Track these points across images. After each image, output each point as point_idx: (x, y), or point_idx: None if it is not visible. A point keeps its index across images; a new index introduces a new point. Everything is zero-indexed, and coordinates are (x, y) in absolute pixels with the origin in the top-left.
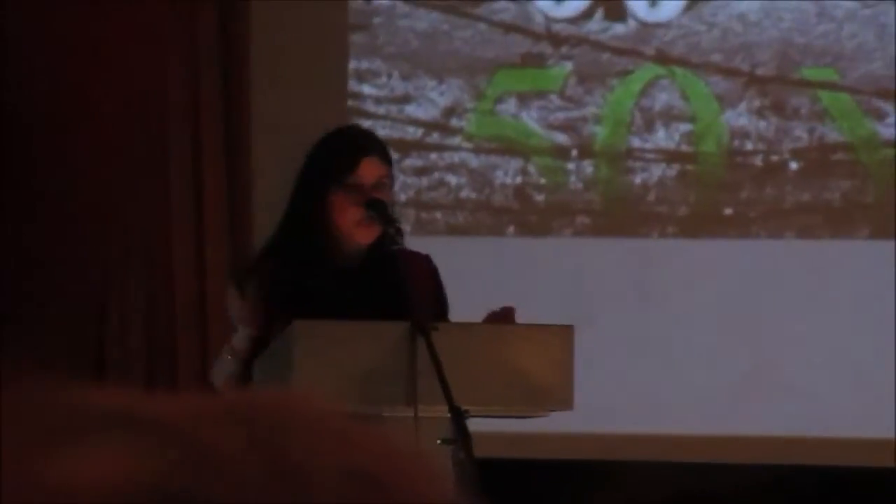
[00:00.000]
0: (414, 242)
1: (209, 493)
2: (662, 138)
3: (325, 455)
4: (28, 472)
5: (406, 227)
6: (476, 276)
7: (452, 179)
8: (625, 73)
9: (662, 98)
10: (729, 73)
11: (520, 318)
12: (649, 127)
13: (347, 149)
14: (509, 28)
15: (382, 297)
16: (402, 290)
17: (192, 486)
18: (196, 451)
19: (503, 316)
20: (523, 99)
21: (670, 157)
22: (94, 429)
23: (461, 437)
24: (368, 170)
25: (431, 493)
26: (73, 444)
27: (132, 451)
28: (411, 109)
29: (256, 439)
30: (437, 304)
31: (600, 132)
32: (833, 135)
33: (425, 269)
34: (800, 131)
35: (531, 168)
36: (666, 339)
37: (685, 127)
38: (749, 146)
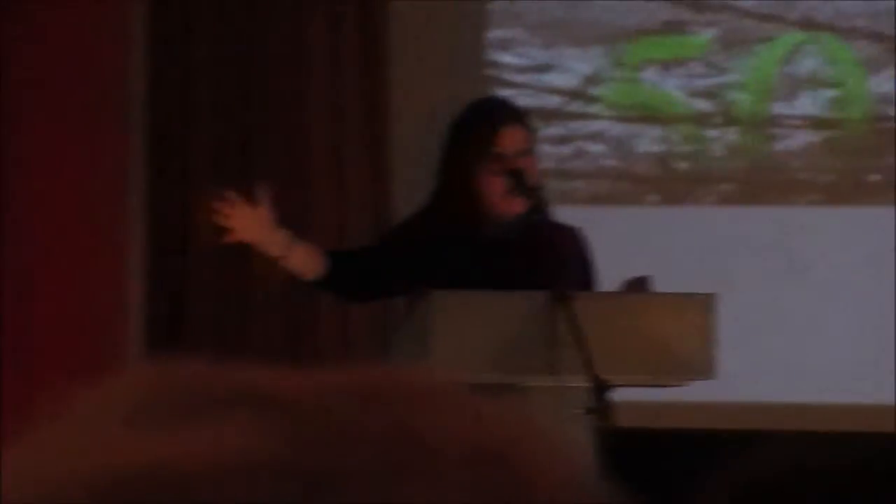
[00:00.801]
0: (556, 211)
1: (338, 469)
2: (806, 105)
3: (453, 432)
4: (151, 448)
5: (548, 196)
6: (617, 246)
7: (593, 148)
8: (768, 39)
9: (806, 64)
10: (874, 37)
11: (662, 287)
12: (793, 93)
13: (486, 120)
14: None
15: (533, 268)
16: (545, 259)
17: (317, 463)
18: (326, 427)
19: (640, 284)
20: (665, 66)
21: (814, 123)
22: (219, 406)
23: (602, 406)
24: (509, 138)
25: (561, 470)
26: (198, 421)
27: (256, 427)
28: (551, 78)
29: (383, 416)
30: (586, 276)
31: (743, 99)
32: None
33: (574, 241)
34: None
35: (673, 136)
36: (810, 308)
37: (829, 93)
38: (894, 112)
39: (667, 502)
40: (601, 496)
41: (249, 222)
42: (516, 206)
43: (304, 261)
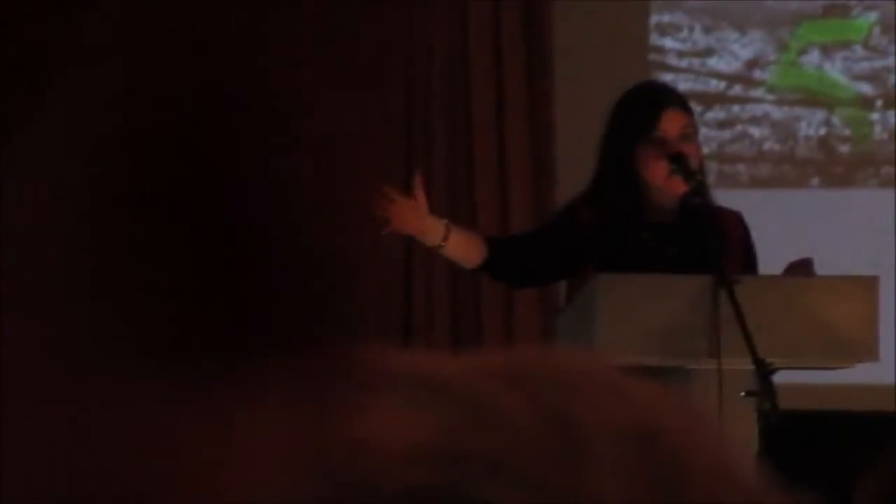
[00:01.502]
0: (717, 195)
1: (491, 454)
2: None
3: (605, 415)
4: (310, 433)
5: (709, 180)
6: (780, 229)
7: (755, 132)
8: None
9: None
10: None
11: (824, 270)
12: None
13: (648, 103)
14: None
15: (694, 252)
16: (709, 244)
17: (475, 447)
18: (478, 411)
19: (801, 267)
20: (826, 50)
21: None
22: (378, 391)
23: (765, 389)
24: (671, 122)
25: (714, 456)
26: (360, 405)
27: (416, 412)
28: (713, 62)
29: (536, 399)
30: (748, 260)
31: None
32: None
33: (735, 226)
34: None
35: (835, 119)
36: None
37: None
38: None
39: (830, 484)
40: (755, 484)
41: (406, 213)
42: (678, 190)
43: (463, 248)
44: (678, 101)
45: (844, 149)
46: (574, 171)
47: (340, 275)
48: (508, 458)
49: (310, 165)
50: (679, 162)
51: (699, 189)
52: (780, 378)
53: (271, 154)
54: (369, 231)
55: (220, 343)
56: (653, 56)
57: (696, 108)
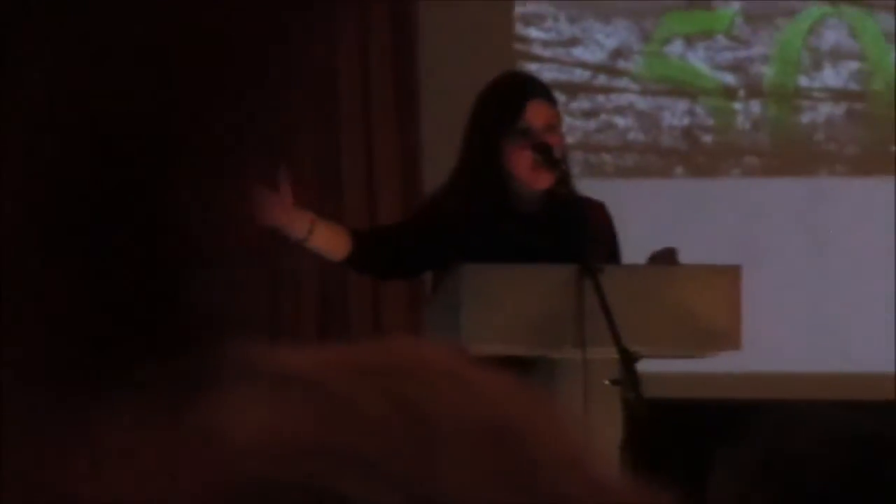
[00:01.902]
0: (582, 185)
1: (346, 447)
2: (831, 77)
3: (458, 408)
4: (170, 424)
5: (574, 170)
6: (645, 218)
7: (620, 121)
8: (792, 13)
9: (830, 37)
10: None
11: (689, 259)
12: (817, 66)
13: (512, 95)
14: None
15: (560, 242)
16: (574, 234)
17: (330, 440)
18: (333, 404)
19: (665, 257)
20: (690, 40)
21: (839, 95)
22: (235, 385)
23: (630, 378)
24: (535, 113)
25: (565, 448)
26: (218, 398)
27: (272, 405)
28: (579, 52)
29: (390, 393)
30: (612, 251)
31: (768, 72)
32: None
33: (601, 216)
34: None
35: (699, 109)
36: (835, 278)
37: (853, 65)
38: None
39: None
40: (605, 476)
41: (271, 207)
42: (543, 181)
43: (329, 240)
44: (542, 92)
45: (708, 138)
46: (441, 163)
47: (208, 277)
48: (363, 451)
49: (178, 175)
50: (545, 152)
51: (564, 179)
52: (644, 367)
53: (143, 164)
54: (235, 232)
55: (93, 348)
56: (518, 46)
57: (561, 97)
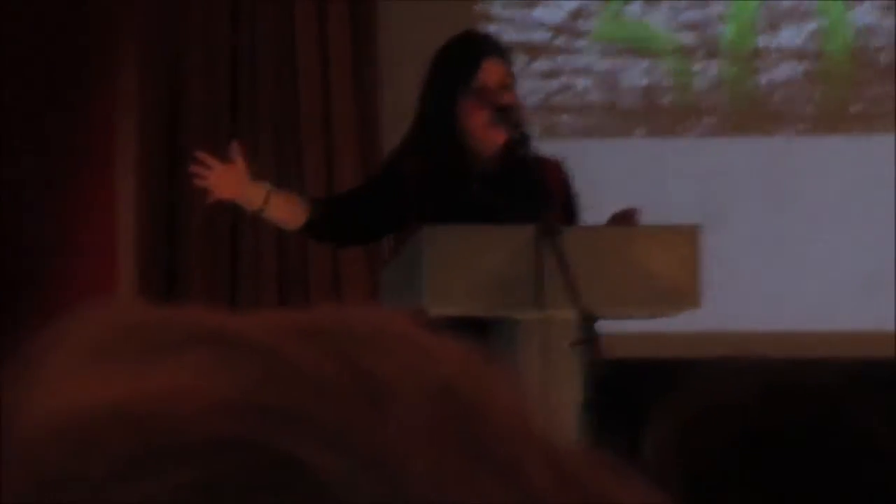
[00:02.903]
0: (542, 146)
1: (293, 408)
2: (790, 36)
3: (407, 370)
4: (108, 388)
5: (534, 131)
6: (605, 179)
7: (580, 82)
8: None
9: None
10: None
11: (648, 219)
12: (775, 26)
13: (468, 53)
14: None
15: (516, 201)
16: (532, 194)
17: (277, 401)
18: (279, 366)
19: (625, 217)
20: (649, 1)
21: (797, 55)
22: (181, 346)
23: (590, 338)
24: (491, 72)
25: (514, 408)
26: (165, 358)
27: (217, 366)
28: (538, 13)
29: (339, 355)
30: (570, 209)
31: (727, 32)
32: None
33: (558, 174)
34: None
35: (658, 69)
36: (794, 237)
37: (811, 25)
38: (876, 43)
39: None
40: (554, 439)
41: (225, 179)
42: (498, 138)
43: (285, 210)
44: (498, 50)
45: (667, 99)
46: (400, 124)
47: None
48: (308, 412)
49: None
50: (503, 112)
51: (521, 139)
52: (604, 327)
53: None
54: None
55: None
56: (477, 7)
57: (521, 59)
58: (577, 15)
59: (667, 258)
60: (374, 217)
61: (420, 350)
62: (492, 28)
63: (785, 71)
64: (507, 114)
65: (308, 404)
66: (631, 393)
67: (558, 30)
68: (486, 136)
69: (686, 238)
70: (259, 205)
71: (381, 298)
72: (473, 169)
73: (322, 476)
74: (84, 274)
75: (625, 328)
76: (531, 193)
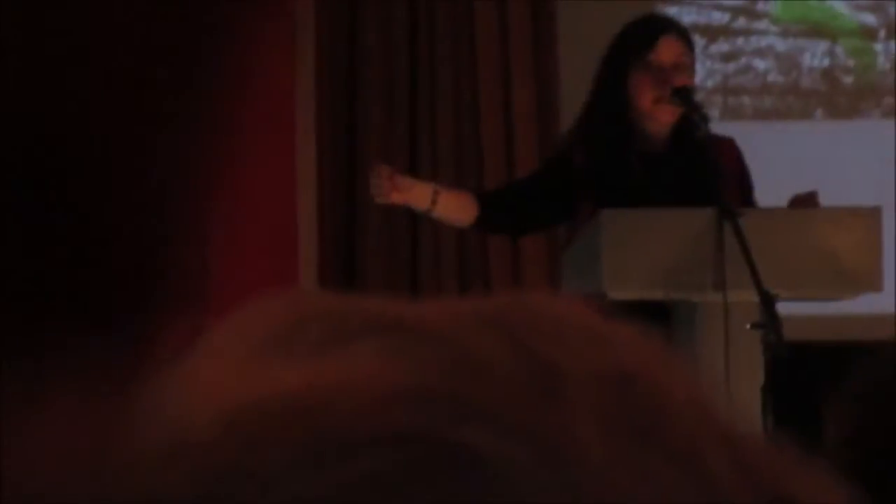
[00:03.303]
0: (722, 127)
1: (469, 396)
2: None
3: (583, 358)
4: (282, 378)
5: (714, 113)
6: (785, 161)
7: (760, 64)
8: None
9: None
10: None
11: (828, 201)
12: None
13: (646, 29)
14: None
15: (689, 182)
16: (709, 176)
17: (452, 390)
18: (454, 354)
19: (806, 200)
20: None
21: None
22: (356, 336)
23: (771, 320)
24: (667, 49)
25: (693, 396)
26: (342, 348)
27: (393, 356)
28: None
29: (514, 342)
30: (743, 187)
31: None
32: None
33: (730, 152)
34: None
35: (839, 50)
36: None
37: None
38: None
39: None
40: (735, 428)
41: (387, 187)
42: (670, 114)
43: (454, 208)
44: (678, 29)
45: (848, 80)
46: (578, 110)
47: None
48: (486, 401)
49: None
50: (682, 95)
51: (698, 123)
52: (785, 309)
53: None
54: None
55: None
56: None
57: (701, 40)
58: None
59: (847, 240)
60: (545, 205)
61: (596, 336)
62: (672, 10)
63: None
64: (684, 96)
65: (484, 394)
66: (811, 376)
67: (738, 11)
68: (655, 110)
69: (867, 220)
70: (427, 205)
71: (562, 284)
72: (642, 149)
73: (499, 466)
74: (263, 267)
75: (806, 310)
76: (706, 174)
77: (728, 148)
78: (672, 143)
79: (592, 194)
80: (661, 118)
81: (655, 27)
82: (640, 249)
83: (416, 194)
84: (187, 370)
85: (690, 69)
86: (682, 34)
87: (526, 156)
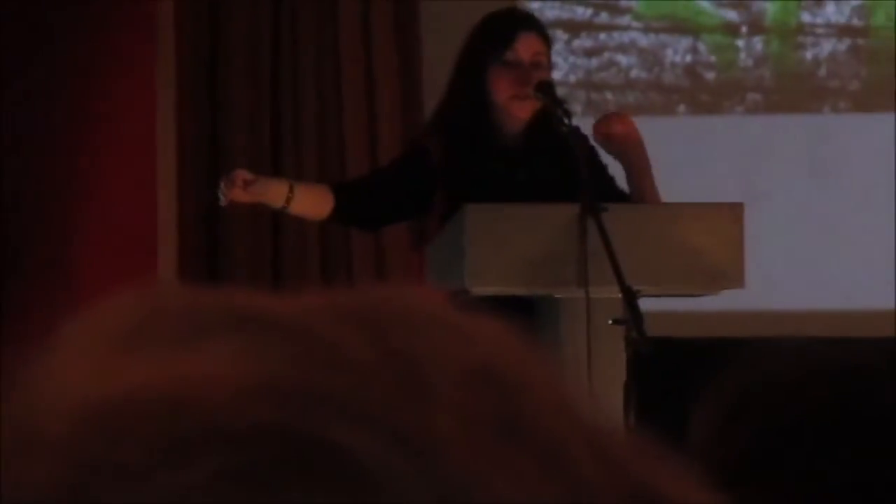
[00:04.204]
0: (585, 123)
1: (333, 392)
2: (833, 13)
3: (446, 354)
4: (142, 372)
5: (577, 108)
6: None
7: (622, 59)
8: None
9: None
10: None
11: (692, 197)
12: (819, 1)
13: (504, 25)
14: None
15: (546, 178)
16: (575, 171)
17: (311, 382)
18: (317, 349)
19: (608, 121)
20: None
21: (841, 31)
22: (213, 330)
23: (633, 316)
24: (525, 45)
25: (555, 391)
26: (199, 343)
27: (250, 350)
28: None
29: (377, 338)
30: (598, 167)
31: (770, 8)
32: None
33: (579, 140)
34: None
35: (701, 46)
36: (838, 215)
37: (855, 1)
38: None
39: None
40: (596, 422)
41: (239, 187)
42: (527, 109)
43: (310, 203)
44: (537, 27)
45: (711, 76)
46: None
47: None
48: (350, 397)
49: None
50: (545, 90)
51: (561, 118)
52: (647, 305)
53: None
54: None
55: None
56: None
57: (563, 36)
58: None
59: (710, 236)
60: (401, 198)
61: (458, 331)
62: (534, 6)
63: (829, 47)
64: (547, 91)
65: (341, 386)
66: (674, 372)
67: (600, 6)
68: (512, 105)
69: (730, 216)
70: (283, 202)
71: (427, 278)
72: (499, 144)
73: (357, 458)
74: (122, 259)
75: (667, 307)
76: (567, 169)
77: (576, 137)
78: (526, 139)
79: (448, 187)
80: (517, 113)
81: (514, 24)
82: (503, 244)
83: (272, 193)
84: (44, 367)
85: (547, 67)
86: (541, 31)
87: (390, 147)
